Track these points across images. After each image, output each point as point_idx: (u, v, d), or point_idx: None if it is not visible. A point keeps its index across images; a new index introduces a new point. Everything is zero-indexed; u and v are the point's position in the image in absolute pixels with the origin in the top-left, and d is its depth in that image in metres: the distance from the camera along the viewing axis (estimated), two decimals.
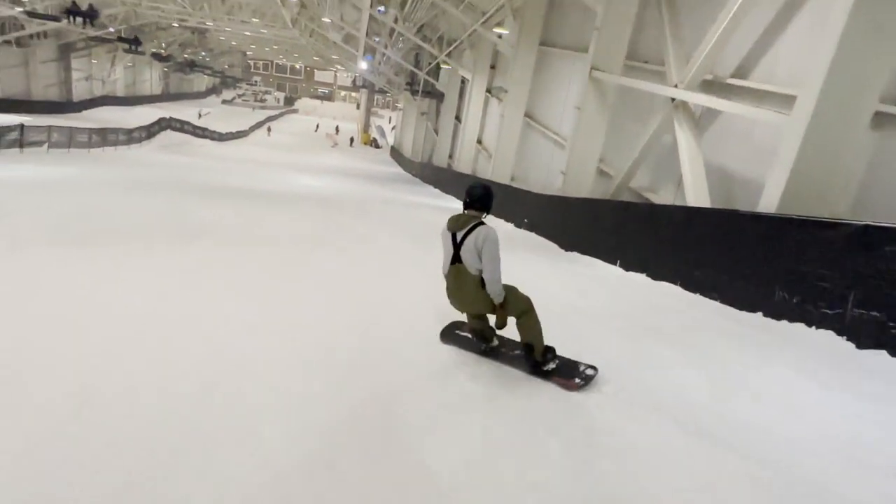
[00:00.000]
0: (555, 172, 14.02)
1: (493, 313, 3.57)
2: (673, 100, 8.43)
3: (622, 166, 10.56)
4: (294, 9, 28.93)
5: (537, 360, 3.58)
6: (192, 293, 4.81)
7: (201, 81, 69.97)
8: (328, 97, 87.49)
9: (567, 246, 10.18)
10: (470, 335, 3.97)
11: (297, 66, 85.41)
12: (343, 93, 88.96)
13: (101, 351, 3.43)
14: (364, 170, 31.32)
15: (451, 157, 26.32)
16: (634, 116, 10.68)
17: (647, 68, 10.32)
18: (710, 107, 8.05)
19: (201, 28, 41.51)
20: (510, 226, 13.66)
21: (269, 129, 50.62)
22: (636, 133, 10.38)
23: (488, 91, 20.87)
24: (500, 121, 17.03)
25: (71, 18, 20.92)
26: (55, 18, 25.29)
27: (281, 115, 63.93)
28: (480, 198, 3.57)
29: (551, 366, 3.57)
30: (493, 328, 3.71)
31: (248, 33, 38.02)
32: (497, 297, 3.46)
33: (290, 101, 78.50)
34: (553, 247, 10.74)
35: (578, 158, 11.41)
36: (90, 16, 20.99)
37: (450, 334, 4.13)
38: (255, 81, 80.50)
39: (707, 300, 6.36)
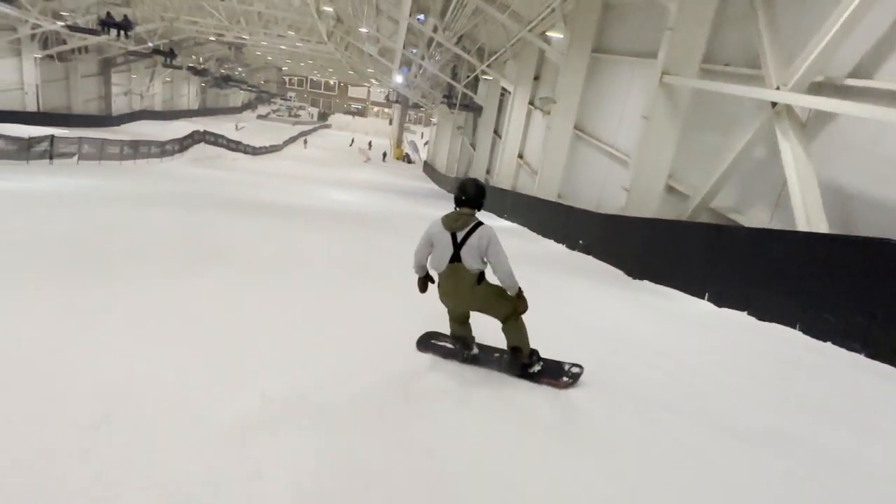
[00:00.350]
0: (610, 189, 12.78)
1: (485, 311, 3.61)
2: (774, 104, 7.15)
3: (697, 183, 9.29)
4: (330, 22, 28.47)
5: (525, 362, 3.61)
6: (203, 348, 3.73)
7: (237, 97, 70.88)
8: (361, 112, 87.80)
9: (636, 273, 8.91)
10: (450, 343, 3.94)
11: (331, 82, 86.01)
12: (376, 108, 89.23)
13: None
14: (398, 185, 30.48)
15: (488, 172, 25.23)
16: (712, 126, 9.39)
17: (728, 72, 9.04)
18: (824, 111, 6.73)
19: (238, 43, 41.66)
20: (561, 247, 12.44)
21: (305, 142, 51.58)
22: (714, 145, 9.11)
23: (531, 103, 19.79)
24: (547, 133, 15.87)
25: (105, 30, 20.57)
26: (94, 32, 25.29)
27: (314, 130, 64.00)
28: (475, 195, 3.55)
29: (537, 368, 3.62)
30: (473, 337, 3.83)
31: (283, 47, 37.88)
32: (513, 288, 3.49)
33: (323, 117, 78.87)
34: (617, 274, 9.47)
35: (645, 174, 10.15)
36: (124, 27, 20.68)
37: (426, 343, 4.05)
38: (290, 97, 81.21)
39: (845, 352, 5.04)
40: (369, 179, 31.73)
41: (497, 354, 3.88)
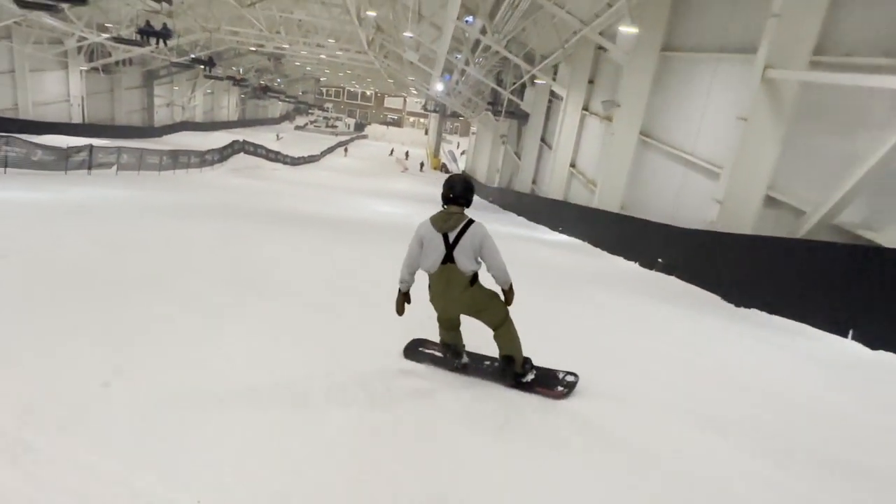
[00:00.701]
0: (688, 200, 11.44)
1: (476, 315, 3.47)
2: None
3: (808, 194, 7.91)
4: (370, 29, 27.81)
5: (517, 371, 3.48)
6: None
7: (275, 108, 71.53)
8: (397, 123, 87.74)
9: (739, 299, 7.57)
10: (439, 352, 3.79)
11: (368, 93, 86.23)
12: (412, 118, 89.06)
13: None
14: (439, 196, 29.42)
15: (534, 182, 23.99)
16: (829, 128, 8.00)
17: (852, 63, 7.67)
18: None
19: (277, 54, 41.61)
20: (632, 265, 11.12)
21: (345, 150, 52.39)
22: (832, 150, 7.73)
23: (585, 109, 18.52)
24: (610, 140, 14.61)
25: (145, 39, 20.19)
26: (136, 43, 25.21)
27: (351, 140, 63.85)
28: (463, 192, 3.43)
29: (530, 377, 3.48)
30: (464, 345, 3.70)
31: (322, 56, 37.53)
32: (506, 284, 3.42)
33: (360, 127, 78.90)
34: (713, 300, 8.12)
35: (741, 183, 8.79)
36: (163, 35, 20.22)
37: (414, 351, 3.92)
38: (328, 108, 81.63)
39: None
40: (409, 190, 30.86)
41: (488, 363, 3.77)
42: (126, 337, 3.74)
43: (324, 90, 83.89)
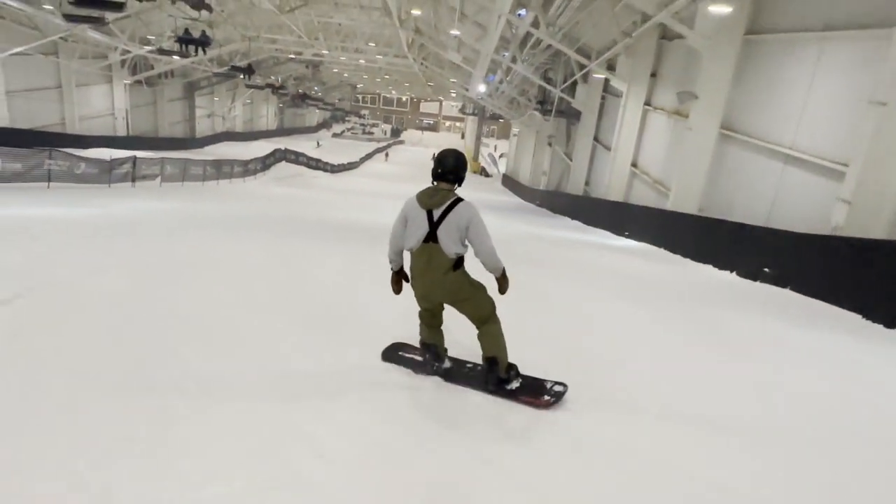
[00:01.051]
0: (788, 199, 10.08)
1: (459, 306, 3.24)
2: None
3: None
4: (410, 31, 27.03)
5: (501, 376, 3.25)
6: None
7: (312, 116, 71.87)
8: (433, 127, 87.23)
9: (889, 318, 6.23)
10: (419, 356, 3.54)
11: (403, 99, 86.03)
12: (447, 123, 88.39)
13: None
14: (486, 201, 28.24)
15: (587, 184, 22.65)
16: None
17: None
18: None
19: (315, 61, 41.36)
20: (727, 275, 9.80)
21: (386, 155, 53.00)
22: None
23: (647, 104, 17.19)
24: (685, 136, 13.26)
25: (184, 48, 19.74)
26: (180, 53, 25.03)
27: (388, 146, 63.48)
28: (454, 167, 3.17)
29: (515, 384, 3.26)
30: (446, 348, 3.51)
31: (361, 61, 36.99)
32: (497, 270, 3.18)
33: (396, 133, 78.63)
34: (852, 319, 6.77)
35: (877, 180, 7.43)
36: (202, 43, 19.70)
37: (393, 354, 3.72)
38: (364, 114, 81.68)
39: None
40: None
41: (470, 366, 3.63)
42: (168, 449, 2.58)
43: (360, 97, 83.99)
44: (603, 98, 21.90)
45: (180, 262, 6.34)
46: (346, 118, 79.80)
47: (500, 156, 51.90)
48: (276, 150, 30.49)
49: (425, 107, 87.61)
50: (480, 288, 3.25)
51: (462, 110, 72.27)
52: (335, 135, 70.06)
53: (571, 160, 24.14)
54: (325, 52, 32.06)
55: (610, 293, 7.04)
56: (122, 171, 15.08)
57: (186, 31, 19.42)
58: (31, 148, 12.97)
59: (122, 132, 32.94)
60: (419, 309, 3.39)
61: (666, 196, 14.31)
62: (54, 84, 28.47)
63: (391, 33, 29.10)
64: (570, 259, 10.72)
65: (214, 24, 30.27)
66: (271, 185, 23.04)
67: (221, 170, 20.77)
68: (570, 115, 23.54)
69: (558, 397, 3.29)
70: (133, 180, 15.30)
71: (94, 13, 17.74)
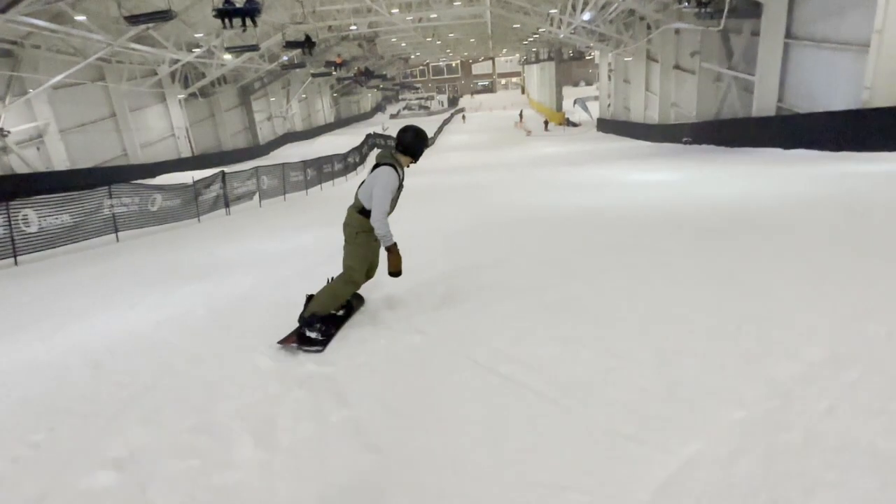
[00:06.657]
0: None
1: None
2: None
3: None
4: None
5: (304, 316, 3.32)
6: None
7: (366, 101, 67.94)
8: (489, 88, 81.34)
9: None
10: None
11: (454, 64, 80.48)
12: (503, 81, 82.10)
13: None
14: (596, 153, 22.91)
15: (780, 100, 16.99)
16: None
17: None
18: None
19: (370, 35, 36.85)
20: None
21: (463, 117, 51.49)
22: None
23: None
24: None
25: (226, 22, 15.51)
26: (253, 48, 21.21)
27: (452, 116, 58.55)
28: (409, 143, 3.44)
29: (313, 334, 3.25)
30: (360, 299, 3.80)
31: (424, 21, 32.23)
32: (385, 240, 3.28)
33: (453, 102, 73.34)
34: None
35: None
36: (249, 12, 15.36)
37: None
38: (417, 88, 76.72)
39: None
40: (572, 152, 24.78)
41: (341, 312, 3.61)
42: None
43: (410, 72, 78.97)
44: None
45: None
46: (401, 97, 75.40)
47: (595, 98, 45.44)
48: (367, 136, 27.10)
49: (477, 68, 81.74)
50: (363, 246, 3.38)
51: (525, 61, 65.99)
52: (392, 116, 65.78)
53: (755, 76, 18.13)
54: (394, 10, 27.50)
55: None
56: (212, 194, 11.12)
57: (227, 2, 15.30)
58: (83, 190, 9.01)
59: (186, 153, 29.94)
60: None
61: None
62: (108, 113, 25.54)
63: None
64: None
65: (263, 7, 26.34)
66: None
67: (322, 170, 16.69)
68: (743, 15, 17.60)
69: (304, 343, 3.23)
70: (227, 205, 11.40)
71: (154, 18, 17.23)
